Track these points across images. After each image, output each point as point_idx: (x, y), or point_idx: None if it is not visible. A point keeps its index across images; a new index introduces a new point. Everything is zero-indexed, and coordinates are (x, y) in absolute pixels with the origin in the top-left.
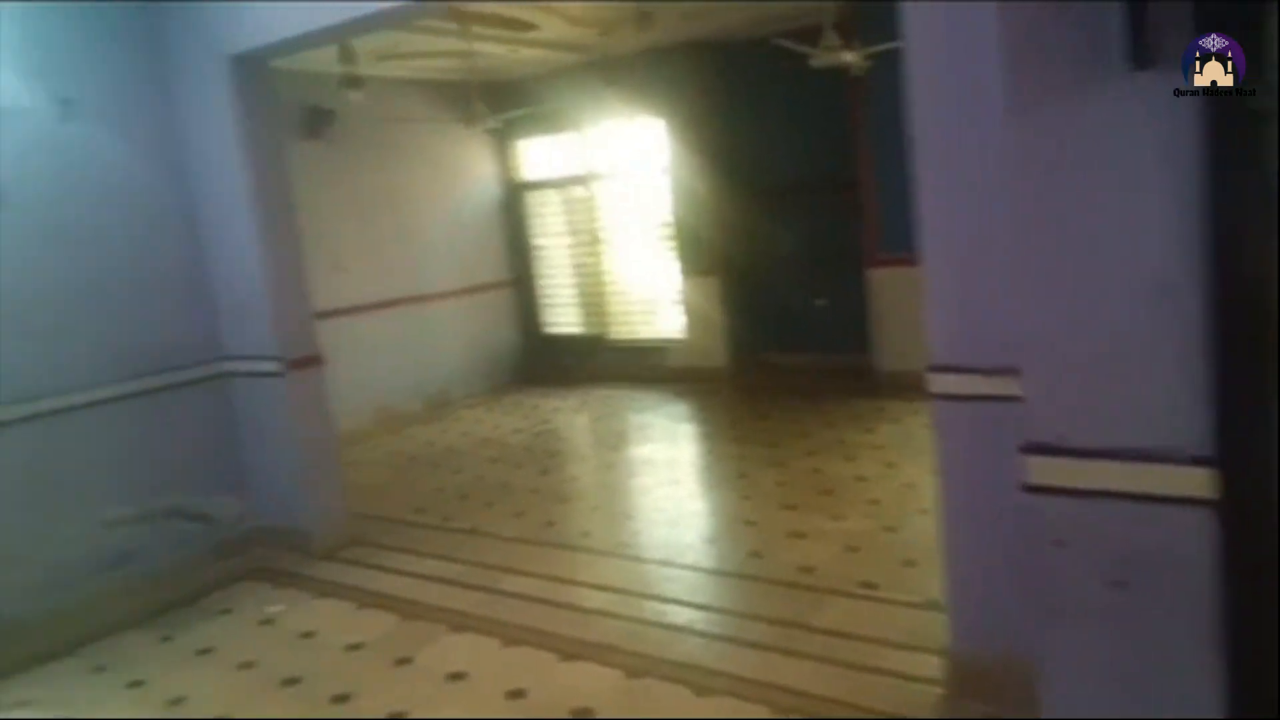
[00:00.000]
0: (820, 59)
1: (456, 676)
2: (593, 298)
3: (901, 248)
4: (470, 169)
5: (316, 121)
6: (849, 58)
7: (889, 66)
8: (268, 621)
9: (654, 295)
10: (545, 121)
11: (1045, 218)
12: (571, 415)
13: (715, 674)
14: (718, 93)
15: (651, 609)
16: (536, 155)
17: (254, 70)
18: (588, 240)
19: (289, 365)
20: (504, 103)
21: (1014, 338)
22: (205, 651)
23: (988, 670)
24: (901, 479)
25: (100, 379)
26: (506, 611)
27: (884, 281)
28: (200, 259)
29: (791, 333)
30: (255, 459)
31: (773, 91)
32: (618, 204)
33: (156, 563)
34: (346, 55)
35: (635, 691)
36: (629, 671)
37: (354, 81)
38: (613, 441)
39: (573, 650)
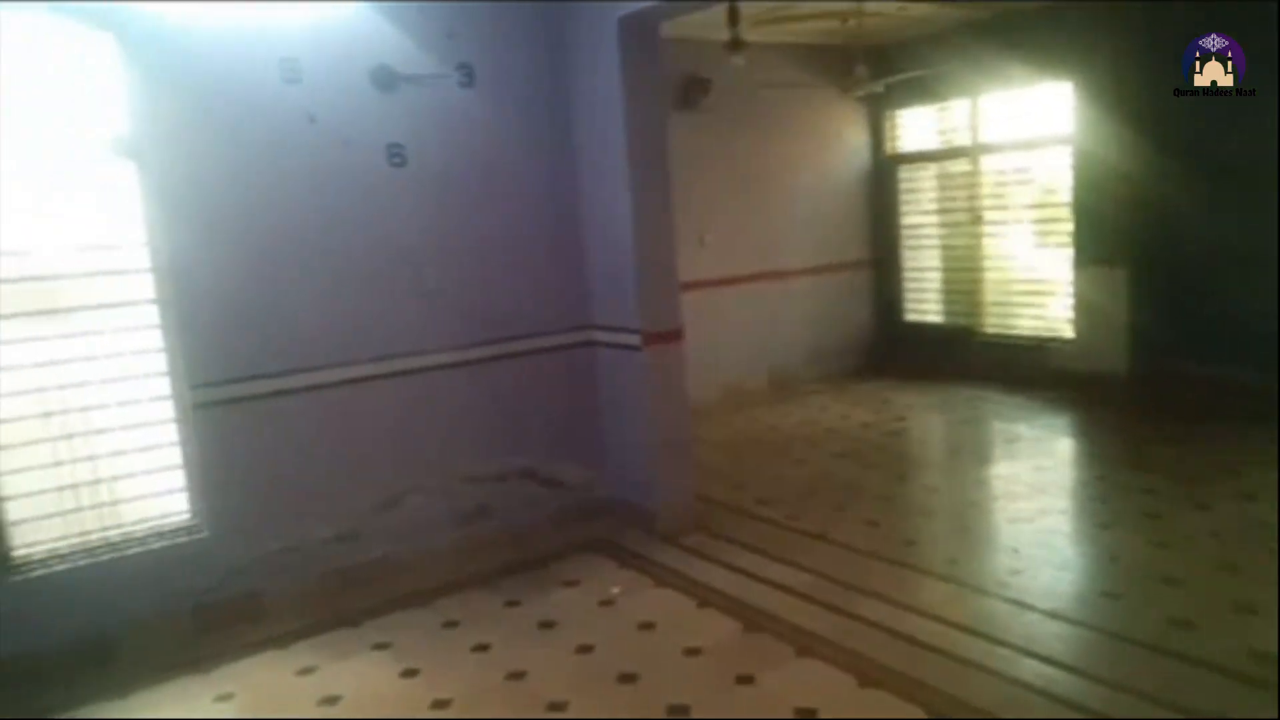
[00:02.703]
0: None
1: (806, 712)
2: (965, 284)
3: None
4: (840, 140)
5: (692, 91)
6: None
7: None
8: (608, 602)
9: (1040, 285)
10: (928, 88)
11: None
12: (928, 414)
13: None
14: (1148, 51)
15: (1038, 672)
16: (913, 125)
17: (641, 32)
18: (966, 220)
19: (650, 339)
20: (884, 68)
21: None
22: (547, 625)
23: None
24: None
25: (474, 339)
26: (862, 643)
27: None
28: (578, 226)
29: (1223, 341)
30: (611, 430)
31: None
32: (1005, 180)
33: (508, 521)
34: (732, 16)
35: None
36: None
37: (737, 45)
38: (980, 451)
39: (942, 707)
